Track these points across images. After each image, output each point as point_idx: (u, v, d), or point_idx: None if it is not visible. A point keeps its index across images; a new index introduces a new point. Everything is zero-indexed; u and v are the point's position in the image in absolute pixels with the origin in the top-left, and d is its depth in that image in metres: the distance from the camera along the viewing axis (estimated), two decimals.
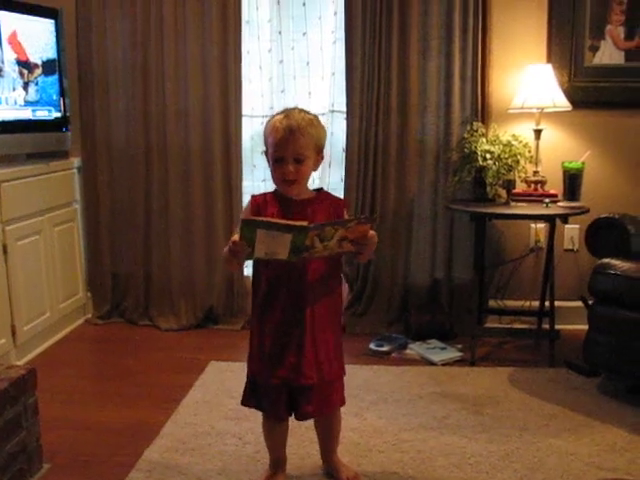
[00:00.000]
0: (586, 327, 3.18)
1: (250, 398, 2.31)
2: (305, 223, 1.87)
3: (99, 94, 4.03)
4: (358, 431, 2.73)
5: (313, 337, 2.14)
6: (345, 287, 4.06)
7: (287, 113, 2.07)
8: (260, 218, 2.00)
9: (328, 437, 2.40)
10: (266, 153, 2.13)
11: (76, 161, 4.09)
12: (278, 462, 2.40)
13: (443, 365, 3.47)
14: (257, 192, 4.05)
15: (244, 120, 4.00)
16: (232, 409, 2.90)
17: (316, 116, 2.13)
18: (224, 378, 3.27)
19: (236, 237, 1.93)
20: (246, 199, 4.03)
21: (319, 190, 2.23)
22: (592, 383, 3.19)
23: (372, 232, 2.02)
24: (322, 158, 2.15)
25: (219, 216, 4.02)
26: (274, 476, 2.38)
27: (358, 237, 1.96)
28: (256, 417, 2.79)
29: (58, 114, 3.92)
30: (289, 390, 2.20)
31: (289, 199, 2.13)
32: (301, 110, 2.11)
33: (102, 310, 4.18)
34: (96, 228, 4.16)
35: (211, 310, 4.12)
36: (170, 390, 3.14)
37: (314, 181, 4.00)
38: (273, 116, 2.12)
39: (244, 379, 3.16)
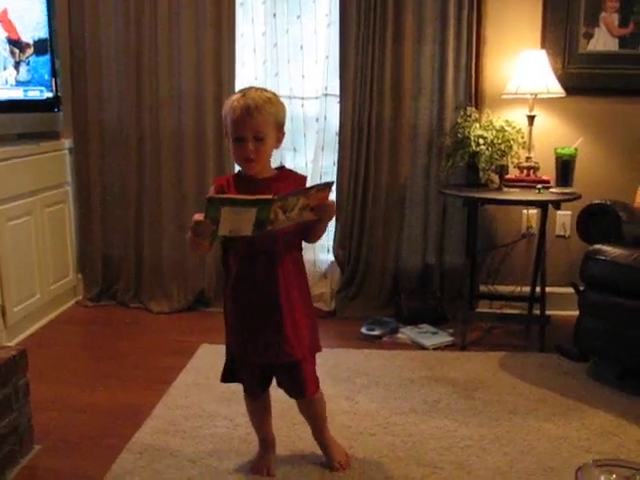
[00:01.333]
0: (576, 313, 3.20)
1: (228, 375, 2.33)
2: (269, 196, 1.86)
3: (91, 75, 4.00)
4: (349, 414, 2.74)
5: (292, 314, 2.15)
6: (336, 270, 4.06)
7: (244, 92, 2.06)
8: (224, 195, 2.02)
9: (312, 417, 2.39)
10: (226, 134, 2.11)
11: (67, 142, 4.07)
12: (266, 442, 2.41)
13: (434, 349, 3.48)
14: None
15: None
16: (223, 391, 2.90)
17: (274, 94, 2.12)
18: (215, 361, 3.22)
19: (198, 217, 1.91)
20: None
21: (281, 168, 2.22)
22: (582, 368, 3.21)
23: (331, 199, 2.03)
24: (283, 135, 2.13)
25: None
26: (264, 456, 2.39)
27: (318, 205, 1.97)
28: None
29: (50, 94, 3.89)
30: (263, 367, 2.24)
31: (251, 179, 2.11)
32: (258, 89, 2.10)
33: (93, 292, 4.18)
34: (87, 210, 4.14)
35: (202, 293, 4.12)
36: (161, 372, 3.14)
37: (307, 166, 4.04)
38: (231, 96, 2.11)
39: None
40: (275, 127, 2.07)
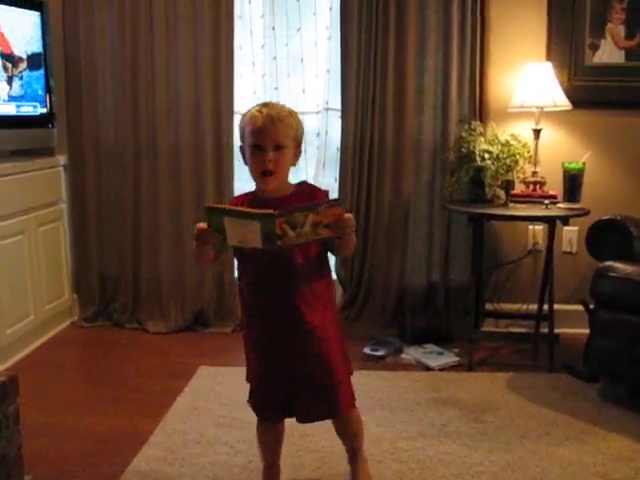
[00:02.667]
0: (584, 331, 3.12)
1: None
2: (270, 210, 1.80)
3: (87, 90, 3.92)
4: None
5: (316, 335, 2.07)
6: (338, 289, 3.96)
7: (265, 104, 2.04)
8: (223, 205, 2.00)
9: (346, 436, 2.28)
10: (241, 148, 2.06)
11: (62, 159, 3.98)
12: (271, 470, 2.30)
13: (440, 370, 3.38)
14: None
15: (236, 117, 3.89)
16: (223, 416, 2.80)
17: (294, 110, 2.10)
18: (214, 383, 3.17)
19: (202, 224, 1.88)
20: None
21: (302, 183, 2.14)
22: (593, 389, 3.10)
23: (348, 214, 1.90)
24: (300, 152, 2.09)
25: None
26: None
27: (333, 221, 1.86)
28: (248, 425, 2.69)
29: (44, 110, 3.81)
30: (289, 390, 2.12)
31: (266, 199, 2.03)
32: (277, 103, 2.09)
33: (88, 312, 4.07)
34: (83, 228, 4.05)
35: (201, 313, 4.02)
36: (158, 396, 3.03)
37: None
38: (249, 109, 2.06)
39: (235, 384, 3.11)
40: (294, 141, 2.03)
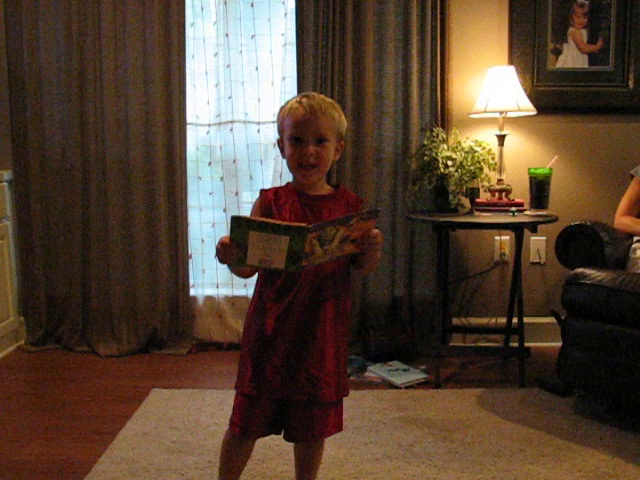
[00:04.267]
0: (556, 344, 3.03)
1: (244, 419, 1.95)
2: (304, 224, 1.63)
3: (31, 102, 3.72)
4: None
5: (332, 349, 1.90)
6: None
7: (306, 95, 1.89)
8: (254, 217, 1.78)
9: (308, 465, 2.08)
10: (279, 142, 1.93)
11: (6, 174, 3.76)
12: None
13: (406, 388, 3.21)
14: (205, 207, 3.75)
15: (189, 129, 3.74)
16: (174, 441, 2.60)
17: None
18: (166, 407, 2.96)
19: (225, 238, 1.68)
20: (192, 214, 3.83)
21: (337, 187, 1.98)
22: (567, 403, 2.97)
23: (376, 230, 1.74)
24: (342, 147, 1.95)
25: (162, 233, 3.74)
26: None
27: (361, 236, 1.70)
28: (201, 450, 2.54)
29: None
30: (281, 406, 1.94)
31: (304, 195, 1.89)
32: (319, 94, 1.92)
33: (36, 336, 3.83)
34: (29, 247, 3.82)
35: (155, 334, 3.81)
36: (106, 422, 2.82)
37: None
38: (287, 101, 1.91)
39: (189, 407, 2.94)
40: (336, 135, 1.90)
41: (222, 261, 1.72)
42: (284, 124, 1.89)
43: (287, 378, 1.87)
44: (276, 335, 1.88)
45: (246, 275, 1.95)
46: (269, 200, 1.91)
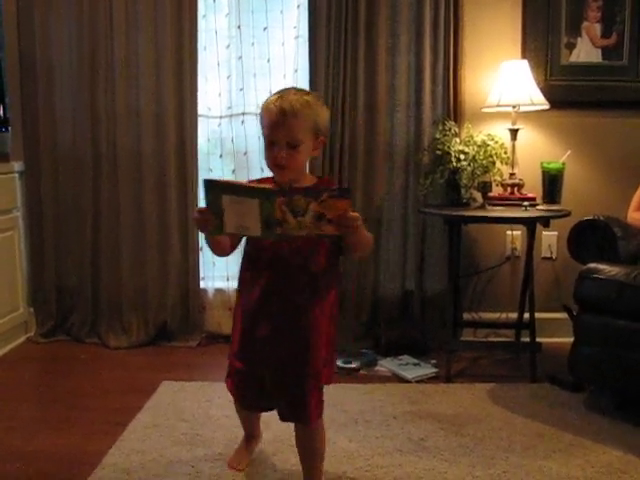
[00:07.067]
0: (566, 339, 2.98)
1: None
2: (270, 186, 1.72)
3: (43, 92, 3.71)
4: (326, 456, 2.41)
5: (313, 334, 1.98)
6: None
7: (282, 94, 1.92)
8: (223, 179, 1.88)
9: (309, 453, 2.15)
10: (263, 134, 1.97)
11: (17, 165, 3.76)
12: (250, 435, 2.42)
13: (417, 382, 3.20)
14: None
15: (200, 121, 3.73)
16: (184, 433, 2.60)
17: (316, 96, 1.98)
18: (177, 399, 2.96)
19: (202, 207, 1.77)
20: (203, 206, 3.81)
21: (323, 177, 2.02)
22: (578, 399, 2.95)
23: (355, 213, 1.73)
24: (322, 141, 1.98)
25: (173, 224, 3.73)
26: (241, 448, 2.40)
27: (337, 217, 1.70)
28: (212, 442, 2.53)
29: None
30: (265, 383, 2.06)
31: (286, 186, 1.92)
32: (298, 91, 1.96)
33: (46, 327, 3.83)
34: (39, 238, 3.82)
35: (165, 326, 3.80)
36: (116, 413, 2.81)
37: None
38: (268, 97, 1.95)
39: (199, 400, 2.94)
40: (313, 133, 1.92)
41: (201, 229, 1.82)
42: (263, 123, 1.94)
43: (265, 356, 2.00)
44: (256, 313, 1.99)
45: (223, 249, 2.02)
46: None
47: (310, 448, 2.13)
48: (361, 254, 2.00)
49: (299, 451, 2.14)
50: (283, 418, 2.08)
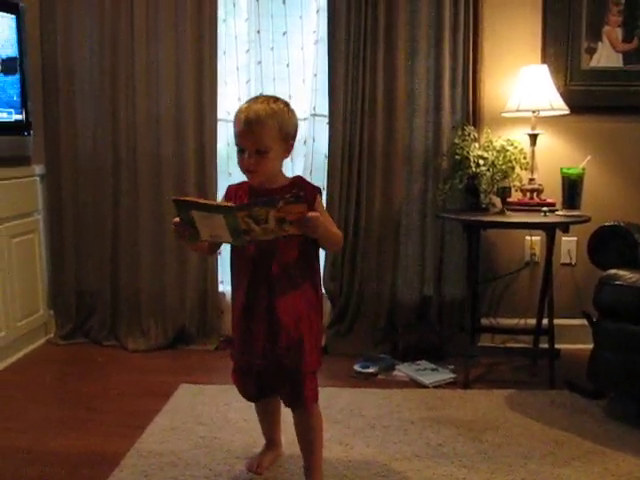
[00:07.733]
0: (585, 346, 2.97)
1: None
2: (230, 203, 1.92)
3: (65, 97, 3.75)
4: (343, 461, 2.44)
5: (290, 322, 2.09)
6: (327, 304, 3.78)
7: (250, 103, 2.03)
8: (188, 198, 2.01)
9: (302, 443, 2.25)
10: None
11: (38, 168, 3.80)
12: (269, 441, 2.44)
13: (435, 387, 3.20)
14: None
15: (219, 125, 3.74)
16: (202, 437, 2.61)
17: (283, 104, 2.06)
18: (195, 402, 2.97)
19: (176, 219, 1.94)
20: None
21: (295, 177, 2.18)
22: (598, 406, 2.93)
23: (314, 213, 1.91)
24: (291, 145, 2.08)
25: None
26: (261, 453, 2.42)
27: (296, 219, 1.87)
28: (229, 445, 2.54)
29: (19, 116, 3.62)
30: (259, 373, 2.20)
31: (258, 188, 2.07)
32: (266, 99, 2.04)
33: (65, 329, 3.87)
34: (60, 241, 3.86)
35: (183, 329, 3.82)
36: (134, 416, 2.83)
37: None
38: (241, 105, 2.07)
39: (217, 403, 2.96)
40: (281, 138, 2.02)
41: (179, 238, 1.97)
42: (234, 130, 2.04)
43: (258, 349, 2.10)
44: (245, 310, 2.10)
45: (204, 251, 2.25)
46: (231, 195, 2.14)
47: (307, 432, 2.21)
48: (333, 248, 2.22)
49: (298, 438, 2.24)
50: (286, 404, 2.21)
